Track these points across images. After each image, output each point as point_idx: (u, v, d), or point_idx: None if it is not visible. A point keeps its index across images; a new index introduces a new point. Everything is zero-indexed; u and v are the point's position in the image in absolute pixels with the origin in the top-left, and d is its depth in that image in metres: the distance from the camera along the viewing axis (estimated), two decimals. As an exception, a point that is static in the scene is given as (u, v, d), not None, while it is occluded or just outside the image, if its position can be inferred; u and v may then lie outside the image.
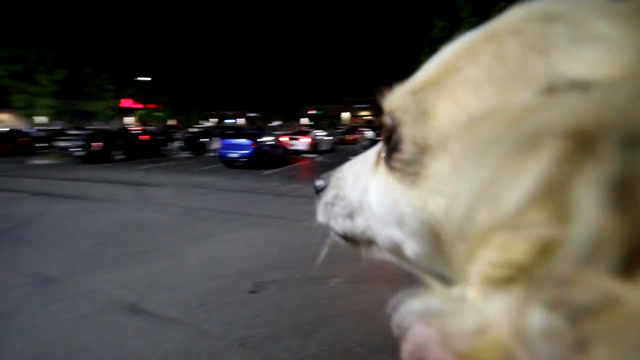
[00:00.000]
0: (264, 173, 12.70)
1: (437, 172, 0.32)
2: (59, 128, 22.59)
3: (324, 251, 0.52)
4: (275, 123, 49.64)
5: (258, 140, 14.09)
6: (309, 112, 69.09)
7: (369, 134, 27.33)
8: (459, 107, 0.30)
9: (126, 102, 30.28)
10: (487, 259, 0.23)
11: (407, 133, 0.35)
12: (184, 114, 38.60)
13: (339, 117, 70.60)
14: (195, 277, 3.93)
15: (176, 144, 20.91)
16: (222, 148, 14.24)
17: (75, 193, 8.69)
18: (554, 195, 0.20)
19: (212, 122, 48.95)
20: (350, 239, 0.48)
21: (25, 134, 21.02)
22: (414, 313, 0.30)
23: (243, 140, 13.84)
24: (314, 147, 20.33)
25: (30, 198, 8.09)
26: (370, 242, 0.45)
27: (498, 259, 0.22)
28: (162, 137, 20.64)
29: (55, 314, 3.12)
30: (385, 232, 0.41)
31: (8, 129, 20.92)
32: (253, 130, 16.54)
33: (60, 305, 3.27)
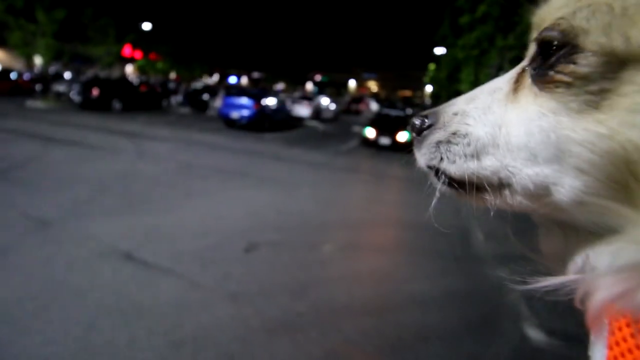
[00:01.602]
0: (265, 136, 12.54)
1: None
2: (56, 72, 21.94)
3: (435, 200, 0.45)
4: (279, 86, 48.37)
5: (261, 102, 13.78)
6: (315, 77, 67.10)
7: (374, 105, 26.80)
8: None
9: (127, 50, 29.19)
10: None
11: (594, 41, 0.29)
12: (185, 68, 37.40)
13: (345, 86, 68.76)
14: (190, 232, 3.97)
15: (176, 99, 20.46)
16: (224, 107, 13.96)
17: (72, 139, 8.60)
18: None
19: (214, 79, 47.60)
20: (468, 184, 0.41)
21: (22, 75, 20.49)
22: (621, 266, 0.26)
23: (246, 101, 13.53)
24: (317, 114, 19.96)
25: (27, 140, 8.00)
26: (502, 185, 0.39)
27: None
28: (162, 90, 20.16)
29: (49, 257, 3.17)
30: (530, 170, 0.35)
31: (2, 69, 20.34)
32: (257, 91, 16.12)
33: (55, 249, 3.32)
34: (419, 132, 0.46)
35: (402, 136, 11.11)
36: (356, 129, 15.54)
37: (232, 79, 52.90)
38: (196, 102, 19.24)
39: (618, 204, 0.28)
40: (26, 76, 21.17)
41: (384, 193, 7.26)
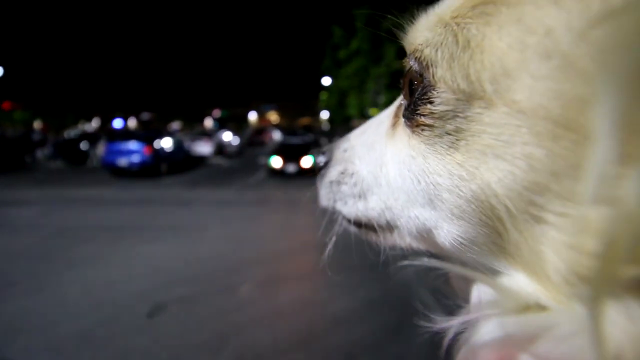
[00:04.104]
0: (162, 180, 11.52)
1: (495, 125, 0.24)
2: None
3: (331, 243, 0.43)
4: (175, 125, 45.58)
5: (154, 144, 12.70)
6: (214, 113, 65.50)
7: (277, 135, 27.46)
8: (530, 27, 0.22)
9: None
10: (615, 255, 0.17)
11: (442, 76, 0.27)
12: (54, 116, 32.18)
13: (245, 119, 68.88)
14: (75, 310, 3.31)
15: (43, 152, 17.29)
16: (108, 155, 12.39)
17: None
18: None
19: (94, 125, 42.12)
20: (364, 225, 0.39)
21: None
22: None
23: (135, 145, 12.28)
24: (220, 150, 19.37)
25: None
26: (390, 227, 0.37)
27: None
28: (23, 144, 16.79)
29: None
30: (411, 212, 0.33)
31: None
32: (148, 133, 14.84)
33: None
34: (319, 170, 0.45)
35: (307, 162, 11.60)
36: (262, 160, 15.58)
37: (118, 123, 47.55)
38: (71, 153, 16.53)
39: (494, 250, 0.27)
40: None
41: (296, 219, 7.36)
